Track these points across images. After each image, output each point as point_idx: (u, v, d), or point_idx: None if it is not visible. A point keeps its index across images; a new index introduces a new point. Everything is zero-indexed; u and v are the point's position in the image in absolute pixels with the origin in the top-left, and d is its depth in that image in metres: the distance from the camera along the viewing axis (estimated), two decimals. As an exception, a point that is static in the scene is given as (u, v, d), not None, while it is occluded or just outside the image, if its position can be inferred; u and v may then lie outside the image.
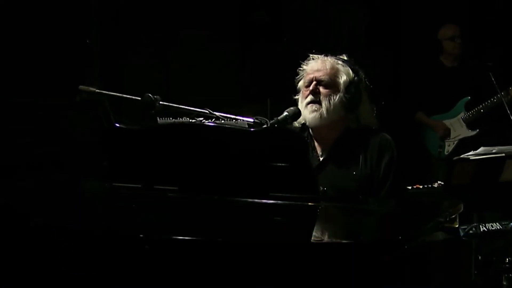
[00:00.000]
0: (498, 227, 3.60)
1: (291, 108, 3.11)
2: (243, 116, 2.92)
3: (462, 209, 2.55)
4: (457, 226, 2.55)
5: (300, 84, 3.25)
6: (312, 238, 2.31)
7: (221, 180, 2.52)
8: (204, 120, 2.86)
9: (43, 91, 4.99)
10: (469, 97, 5.43)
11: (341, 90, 3.16)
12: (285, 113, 3.08)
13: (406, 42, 6.49)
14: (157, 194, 2.59)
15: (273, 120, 2.99)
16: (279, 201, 2.47)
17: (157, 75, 5.60)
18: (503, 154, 3.62)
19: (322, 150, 3.22)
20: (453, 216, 2.50)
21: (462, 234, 3.26)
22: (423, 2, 6.41)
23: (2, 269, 2.31)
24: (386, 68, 6.38)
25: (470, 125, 5.41)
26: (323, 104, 3.15)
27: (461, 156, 3.66)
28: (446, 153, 5.41)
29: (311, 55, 3.27)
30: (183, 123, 2.85)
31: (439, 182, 4.17)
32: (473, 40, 5.91)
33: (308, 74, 3.22)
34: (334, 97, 3.15)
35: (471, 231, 3.50)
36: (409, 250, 2.13)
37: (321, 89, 3.17)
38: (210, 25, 5.88)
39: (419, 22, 6.25)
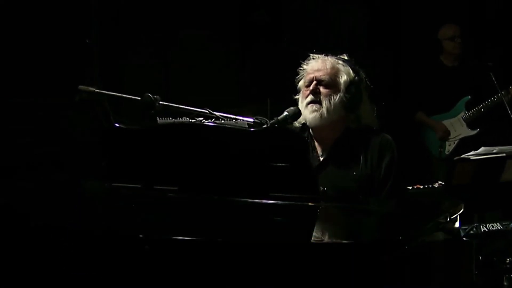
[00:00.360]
0: (499, 228, 3.59)
1: (291, 108, 3.11)
2: (243, 116, 2.92)
3: (462, 209, 2.55)
4: (457, 226, 2.55)
5: (300, 84, 3.25)
6: (312, 238, 2.30)
7: (221, 180, 2.52)
8: (204, 120, 2.85)
9: (43, 91, 4.99)
10: (470, 97, 5.43)
11: (341, 90, 3.16)
12: (285, 113, 3.07)
13: (406, 42, 6.49)
14: (157, 194, 2.59)
15: (273, 120, 2.99)
16: (279, 201, 2.47)
17: (157, 75, 5.60)
18: (504, 154, 3.62)
19: (323, 150, 3.22)
20: (454, 217, 2.49)
21: (462, 234, 3.25)
22: (423, 2, 6.41)
23: (2, 269, 2.31)
24: (386, 68, 6.38)
25: (470, 124, 5.41)
26: (324, 104, 3.14)
27: (462, 156, 3.65)
28: (446, 152, 5.41)
29: (311, 55, 3.26)
30: (183, 123, 2.85)
31: (439, 182, 4.18)
32: (473, 40, 5.91)
33: (308, 74, 3.21)
34: (335, 97, 3.15)
35: (471, 232, 3.50)
36: (409, 250, 2.13)
37: (322, 89, 3.16)
38: (210, 25, 5.87)
39: (419, 22, 6.25)
